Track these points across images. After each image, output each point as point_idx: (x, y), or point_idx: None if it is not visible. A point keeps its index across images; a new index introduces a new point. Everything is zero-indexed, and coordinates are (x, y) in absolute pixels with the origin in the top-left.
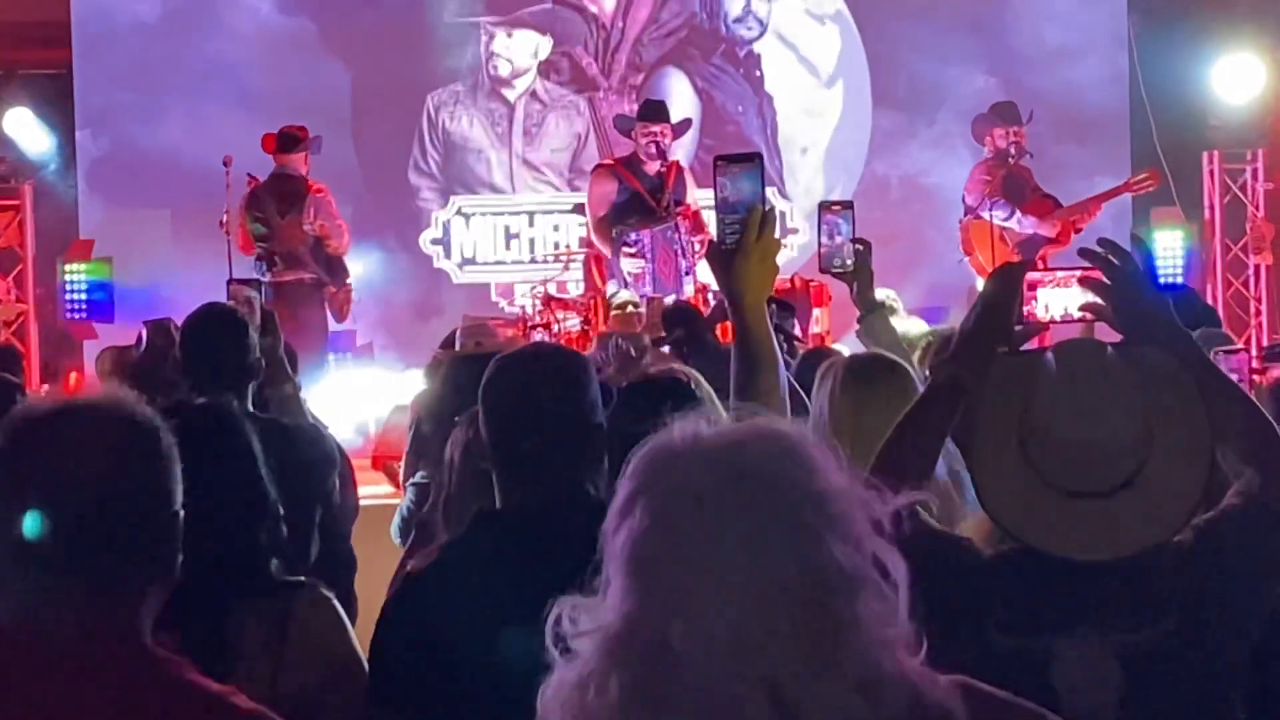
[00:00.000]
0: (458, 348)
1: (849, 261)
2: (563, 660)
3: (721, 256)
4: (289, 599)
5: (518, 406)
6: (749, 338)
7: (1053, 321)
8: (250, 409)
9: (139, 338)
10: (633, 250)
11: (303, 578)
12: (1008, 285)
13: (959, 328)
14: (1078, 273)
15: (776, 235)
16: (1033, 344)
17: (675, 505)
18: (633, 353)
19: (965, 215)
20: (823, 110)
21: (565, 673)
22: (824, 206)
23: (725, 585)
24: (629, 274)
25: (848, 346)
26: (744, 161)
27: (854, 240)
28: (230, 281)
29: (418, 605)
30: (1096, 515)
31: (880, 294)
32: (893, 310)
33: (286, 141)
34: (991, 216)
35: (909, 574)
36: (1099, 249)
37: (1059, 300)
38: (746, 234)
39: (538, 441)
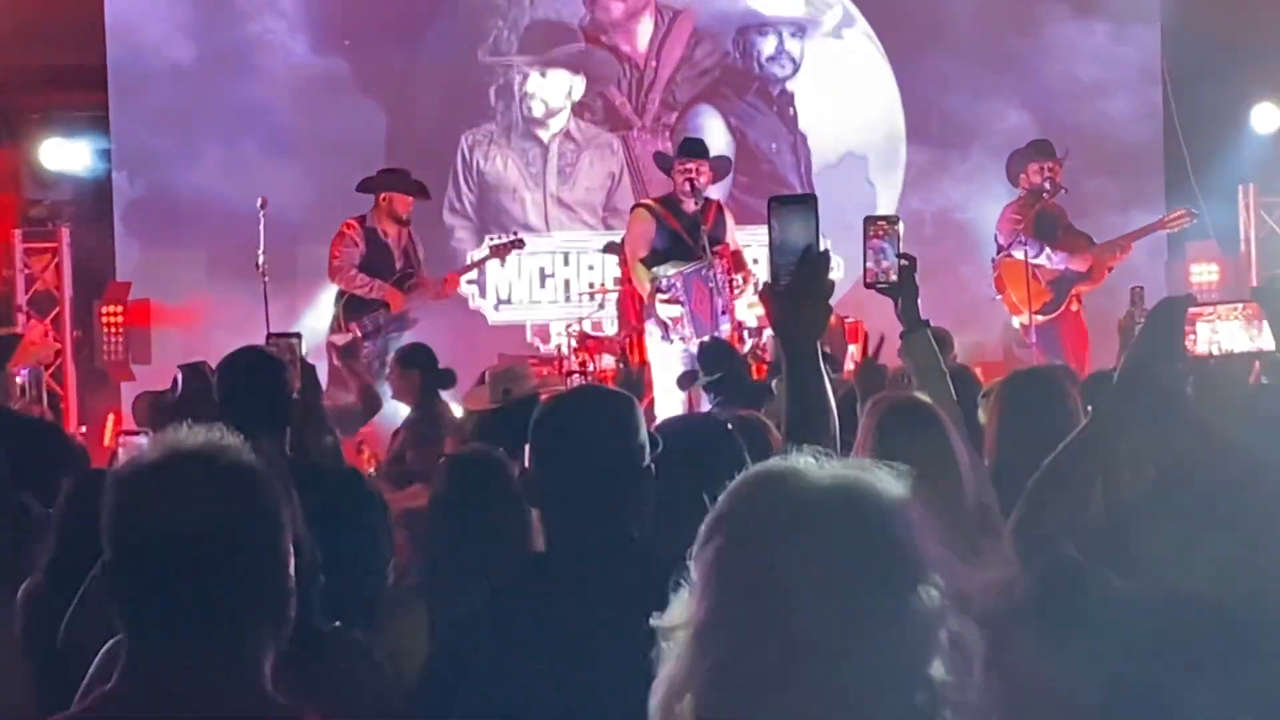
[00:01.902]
0: (488, 391)
1: (894, 277)
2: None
3: (775, 297)
4: (321, 646)
5: (567, 450)
6: (801, 379)
7: (1212, 356)
8: (288, 453)
9: (174, 381)
10: (666, 296)
11: (337, 623)
12: (1173, 321)
13: (1122, 363)
14: (1239, 306)
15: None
16: None
17: (766, 536)
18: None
19: (998, 254)
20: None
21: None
22: (869, 223)
23: (812, 631)
24: (667, 319)
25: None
26: (798, 203)
27: (899, 255)
28: (269, 336)
29: (465, 648)
30: (1232, 552)
31: None
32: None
33: None
34: (1025, 255)
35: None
36: None
37: (1220, 334)
38: (799, 275)
39: (586, 485)
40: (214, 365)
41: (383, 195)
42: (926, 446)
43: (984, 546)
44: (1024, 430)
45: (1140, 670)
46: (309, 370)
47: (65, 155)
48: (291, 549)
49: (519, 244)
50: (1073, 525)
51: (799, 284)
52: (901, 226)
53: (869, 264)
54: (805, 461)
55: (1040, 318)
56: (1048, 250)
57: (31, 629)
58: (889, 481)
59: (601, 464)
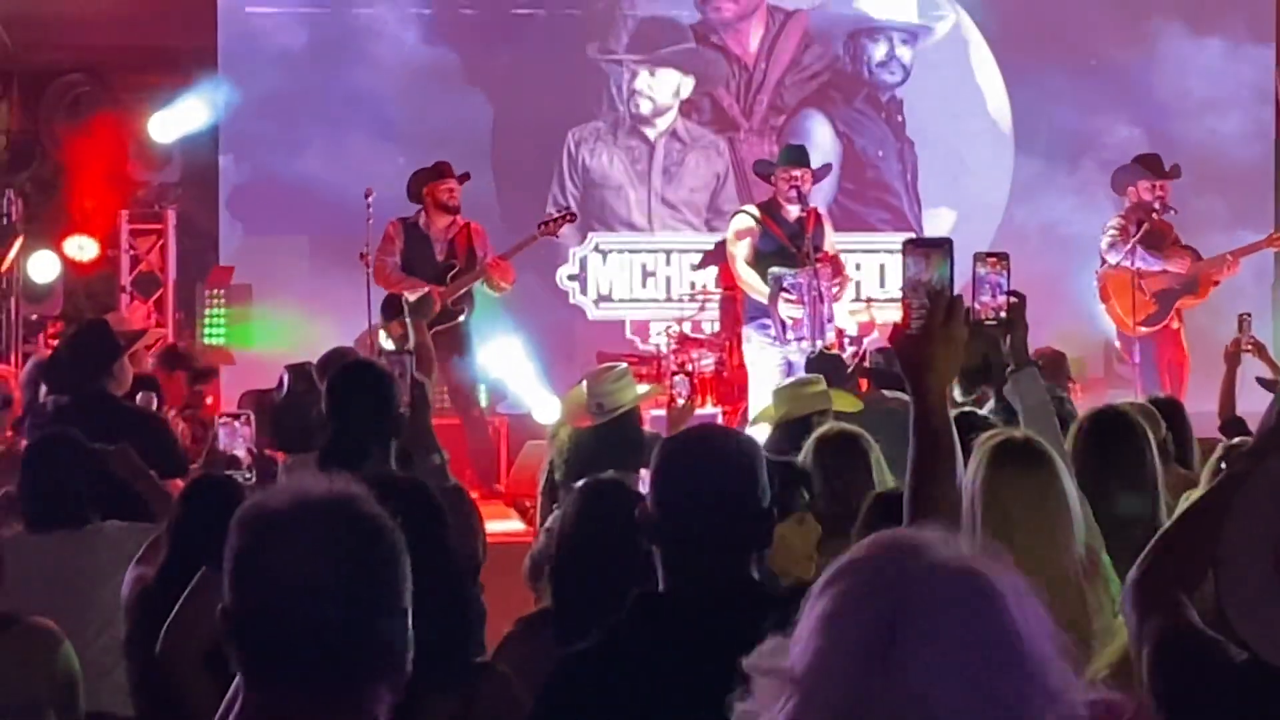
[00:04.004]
0: (585, 403)
1: (1003, 314)
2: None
3: (905, 339)
4: (475, 680)
5: (692, 492)
6: (929, 423)
7: None
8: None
9: (280, 381)
10: (792, 296)
11: (486, 659)
12: None
13: (1260, 424)
14: None
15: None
16: None
17: (889, 599)
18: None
19: (1101, 266)
20: None
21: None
22: (979, 259)
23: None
24: (788, 318)
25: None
26: (934, 245)
27: (1009, 292)
28: (381, 351)
29: (579, 686)
30: None
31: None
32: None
33: None
34: (1132, 260)
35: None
36: None
37: None
38: (932, 318)
39: (709, 527)
40: (316, 361)
41: (425, 190)
42: (1037, 487)
43: (1090, 594)
44: (1098, 472)
45: None
46: (419, 387)
47: (177, 120)
48: (405, 599)
49: (570, 217)
50: (1193, 589)
51: (931, 327)
52: (1010, 263)
53: (981, 299)
54: (938, 536)
55: (1143, 329)
56: (1141, 250)
57: (136, 633)
58: (1010, 571)
59: (725, 507)
